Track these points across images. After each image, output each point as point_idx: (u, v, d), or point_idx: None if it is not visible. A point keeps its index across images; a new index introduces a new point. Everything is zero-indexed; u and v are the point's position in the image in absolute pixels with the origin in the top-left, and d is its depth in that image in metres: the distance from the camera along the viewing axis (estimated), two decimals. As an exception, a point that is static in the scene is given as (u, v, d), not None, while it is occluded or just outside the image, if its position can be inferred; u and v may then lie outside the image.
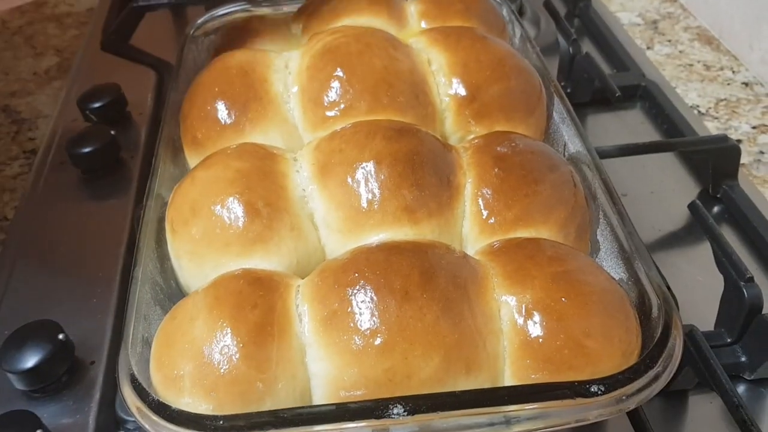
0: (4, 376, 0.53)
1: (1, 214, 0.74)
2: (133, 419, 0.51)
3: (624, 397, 0.38)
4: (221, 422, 0.38)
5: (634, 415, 0.49)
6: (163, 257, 0.51)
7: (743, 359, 0.53)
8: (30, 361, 0.52)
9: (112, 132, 0.73)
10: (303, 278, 0.46)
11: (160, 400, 0.40)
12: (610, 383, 0.38)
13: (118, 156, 0.73)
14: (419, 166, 0.49)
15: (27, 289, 0.62)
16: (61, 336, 0.53)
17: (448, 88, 0.58)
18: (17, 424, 0.48)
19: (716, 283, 0.55)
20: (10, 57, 0.98)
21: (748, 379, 0.53)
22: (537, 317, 0.42)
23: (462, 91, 0.58)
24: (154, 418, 0.39)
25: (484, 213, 0.49)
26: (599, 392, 0.38)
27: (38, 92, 0.91)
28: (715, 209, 0.68)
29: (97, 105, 0.77)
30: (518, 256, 0.45)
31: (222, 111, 0.57)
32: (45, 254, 0.65)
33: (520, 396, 0.38)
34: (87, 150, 0.71)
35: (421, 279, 0.42)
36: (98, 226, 0.67)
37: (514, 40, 0.69)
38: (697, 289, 0.60)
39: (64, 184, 0.72)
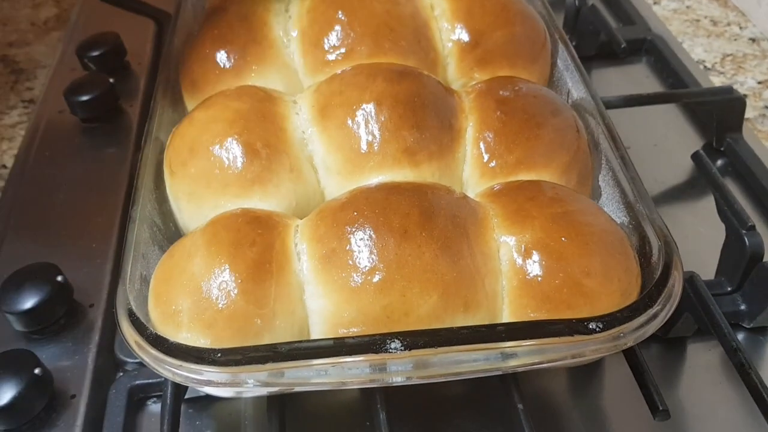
0: (3, 318, 0.53)
1: (0, 162, 0.74)
2: (132, 360, 0.52)
3: (621, 335, 0.38)
4: (219, 355, 0.38)
5: (633, 361, 0.49)
6: (161, 199, 0.51)
7: (743, 307, 0.53)
8: (28, 302, 0.52)
9: (111, 80, 0.72)
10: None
11: (158, 333, 0.40)
12: (608, 321, 0.38)
13: (117, 104, 0.72)
14: (420, 108, 0.49)
15: (26, 236, 0.62)
16: (59, 278, 0.53)
17: (450, 33, 0.57)
18: (16, 362, 0.48)
19: (718, 235, 0.54)
20: (8, 7, 0.96)
21: (747, 327, 0.53)
22: (536, 257, 0.42)
23: (465, 37, 0.57)
24: (153, 351, 0.39)
25: (485, 156, 0.49)
26: (597, 329, 0.38)
27: (36, 43, 0.90)
28: (719, 162, 0.67)
29: (95, 53, 0.76)
30: (519, 198, 0.45)
31: (221, 54, 0.56)
32: (44, 202, 0.64)
33: (518, 332, 0.38)
34: (86, 98, 0.70)
35: (420, 218, 0.42)
36: (97, 174, 0.67)
37: (518, -11, 0.68)
38: (699, 241, 0.60)
39: (62, 132, 0.71)
